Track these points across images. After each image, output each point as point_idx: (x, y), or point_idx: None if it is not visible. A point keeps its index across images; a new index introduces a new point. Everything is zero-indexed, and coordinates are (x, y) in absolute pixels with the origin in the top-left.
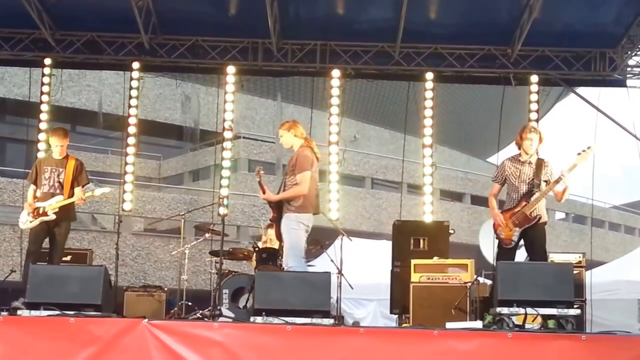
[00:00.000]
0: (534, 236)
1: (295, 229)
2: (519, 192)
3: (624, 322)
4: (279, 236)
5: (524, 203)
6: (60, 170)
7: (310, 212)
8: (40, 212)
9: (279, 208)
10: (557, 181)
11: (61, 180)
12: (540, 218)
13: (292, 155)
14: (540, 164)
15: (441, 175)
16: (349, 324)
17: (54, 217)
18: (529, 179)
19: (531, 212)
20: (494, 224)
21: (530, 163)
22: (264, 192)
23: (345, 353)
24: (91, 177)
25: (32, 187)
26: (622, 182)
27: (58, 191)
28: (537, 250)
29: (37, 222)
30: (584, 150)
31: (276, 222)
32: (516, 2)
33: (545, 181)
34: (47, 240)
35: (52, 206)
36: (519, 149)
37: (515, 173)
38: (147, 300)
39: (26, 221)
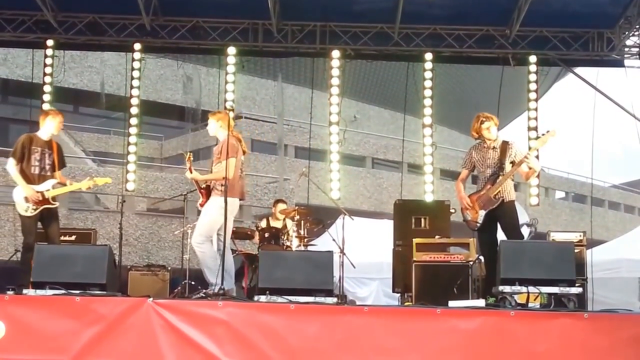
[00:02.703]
0: (502, 215)
1: (215, 212)
2: (485, 176)
3: (625, 300)
4: None
5: (488, 186)
6: (50, 152)
7: (235, 196)
8: (41, 198)
9: (208, 194)
10: (520, 162)
11: (52, 162)
12: (503, 199)
13: (218, 144)
14: (504, 147)
15: (441, 154)
16: (354, 304)
17: (57, 204)
18: (494, 163)
19: (495, 195)
20: (461, 208)
21: (494, 148)
22: (191, 172)
23: (348, 331)
24: (94, 158)
25: (13, 161)
26: (622, 161)
27: (49, 174)
28: (508, 229)
29: (40, 209)
30: (543, 134)
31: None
32: None
33: (512, 162)
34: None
35: (51, 193)
36: (478, 138)
37: (481, 159)
38: (150, 280)
39: (28, 208)
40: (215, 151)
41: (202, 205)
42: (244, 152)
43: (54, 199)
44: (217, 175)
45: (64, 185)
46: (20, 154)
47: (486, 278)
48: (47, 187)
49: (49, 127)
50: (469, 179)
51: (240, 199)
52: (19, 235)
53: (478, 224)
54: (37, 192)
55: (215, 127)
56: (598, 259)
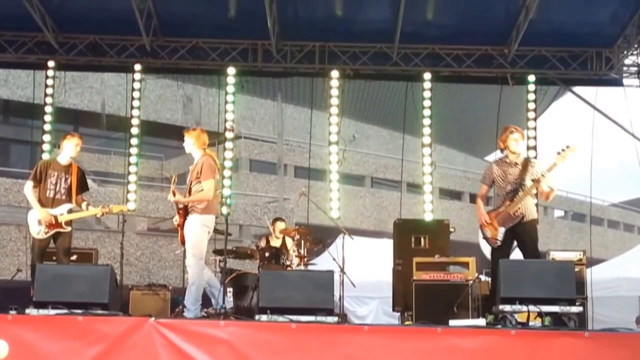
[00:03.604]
0: (522, 234)
1: (198, 230)
2: (505, 192)
3: (625, 319)
4: (183, 240)
5: (507, 202)
6: (67, 177)
7: (212, 214)
8: (54, 222)
9: (185, 214)
10: (537, 181)
11: (68, 186)
12: (524, 217)
13: (195, 163)
14: (526, 164)
15: (440, 174)
16: (352, 322)
17: (69, 229)
18: (514, 179)
19: (515, 211)
20: (480, 225)
21: (516, 164)
22: (174, 195)
23: (349, 350)
24: (95, 178)
25: (31, 184)
26: (621, 180)
27: (64, 198)
28: (527, 248)
29: (51, 233)
30: (563, 150)
31: (182, 228)
32: (512, 3)
33: (533, 180)
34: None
35: (65, 217)
36: (503, 151)
37: (502, 175)
38: (152, 299)
39: (40, 231)
40: (194, 170)
41: (180, 226)
42: (218, 169)
43: (67, 223)
44: (199, 196)
45: (80, 209)
46: (38, 177)
47: (492, 296)
48: (61, 212)
49: (66, 150)
50: (473, 197)
51: (216, 217)
52: (21, 255)
53: (498, 241)
54: (51, 215)
55: (190, 146)
56: (597, 277)
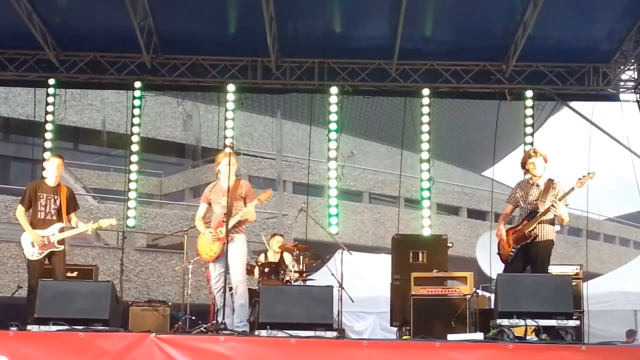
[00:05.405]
0: (533, 253)
1: (245, 249)
2: (525, 213)
3: (621, 332)
4: (219, 255)
5: (525, 222)
6: (56, 197)
7: None
8: (46, 242)
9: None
10: (547, 210)
11: (57, 206)
12: (536, 237)
13: (232, 184)
14: (549, 185)
15: (437, 189)
16: (349, 337)
17: (62, 248)
18: (534, 200)
19: (529, 231)
20: (498, 241)
21: (538, 185)
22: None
23: None
24: (94, 195)
25: (22, 208)
26: (617, 194)
27: (55, 218)
28: (536, 267)
29: (45, 253)
30: (583, 176)
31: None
32: (510, 19)
33: (552, 204)
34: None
35: (57, 237)
36: (526, 174)
37: (523, 196)
38: (151, 315)
39: (34, 253)
40: (238, 190)
41: (218, 239)
42: None
43: (60, 242)
44: (249, 216)
45: (71, 228)
46: (27, 201)
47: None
48: (53, 232)
49: (50, 172)
50: (470, 212)
51: None
52: (21, 272)
53: (509, 259)
54: (43, 236)
55: (234, 169)
56: (594, 292)
